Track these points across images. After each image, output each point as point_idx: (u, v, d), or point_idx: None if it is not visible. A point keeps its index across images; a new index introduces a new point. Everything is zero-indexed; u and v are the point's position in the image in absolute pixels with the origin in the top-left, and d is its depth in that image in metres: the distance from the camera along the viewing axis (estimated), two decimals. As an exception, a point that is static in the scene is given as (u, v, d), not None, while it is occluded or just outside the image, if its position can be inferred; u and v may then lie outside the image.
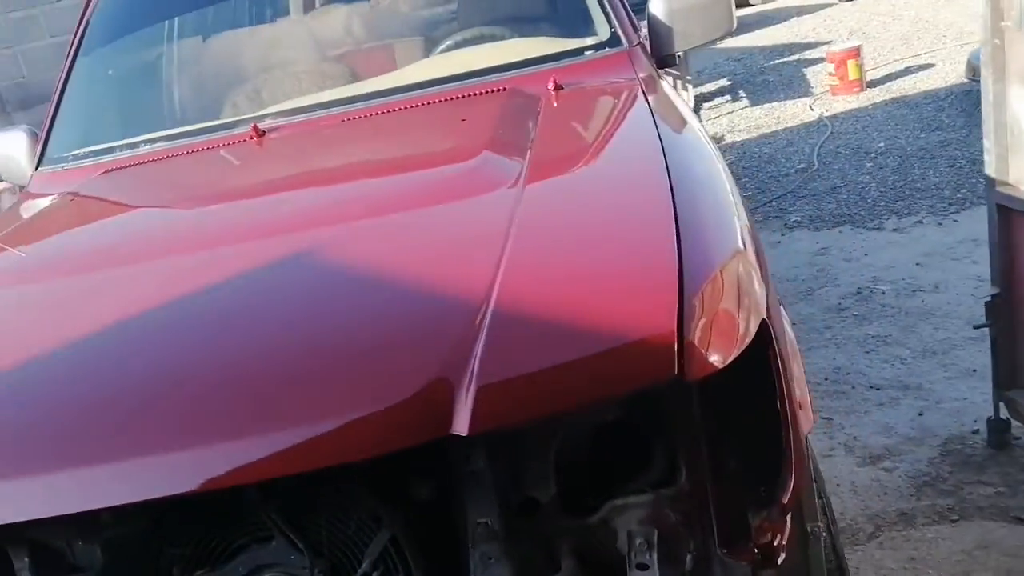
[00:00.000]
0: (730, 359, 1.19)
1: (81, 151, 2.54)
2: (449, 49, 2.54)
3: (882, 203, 5.16)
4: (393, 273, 1.36)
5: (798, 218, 5.25)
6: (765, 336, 1.29)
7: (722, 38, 2.62)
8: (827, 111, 7.19)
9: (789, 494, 1.26)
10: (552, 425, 1.26)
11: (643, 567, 1.24)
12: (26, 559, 1.27)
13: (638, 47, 2.44)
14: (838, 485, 2.85)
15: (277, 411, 1.15)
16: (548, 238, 1.41)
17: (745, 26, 10.72)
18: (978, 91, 2.79)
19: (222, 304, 1.38)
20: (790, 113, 7.51)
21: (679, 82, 3.77)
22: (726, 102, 8.48)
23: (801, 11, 11.87)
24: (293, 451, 1.10)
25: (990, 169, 2.66)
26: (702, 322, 1.20)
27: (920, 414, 3.15)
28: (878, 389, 3.38)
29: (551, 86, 2.24)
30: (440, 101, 2.27)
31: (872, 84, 7.62)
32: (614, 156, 1.81)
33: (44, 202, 2.35)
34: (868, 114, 6.93)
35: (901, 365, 3.50)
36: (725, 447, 1.30)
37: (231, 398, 1.19)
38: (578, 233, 1.42)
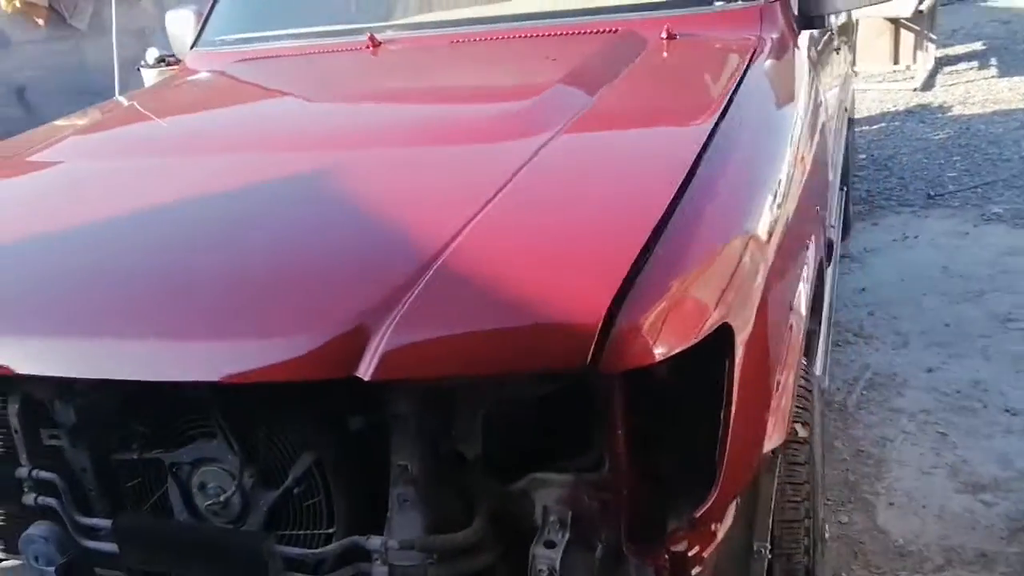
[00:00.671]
0: (658, 359, 1.13)
1: (228, 37, 2.70)
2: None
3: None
4: (374, 210, 1.38)
5: (999, 210, 4.76)
6: (725, 343, 1.21)
7: (874, 4, 2.38)
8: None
9: (705, 507, 1.19)
10: (484, 387, 1.25)
11: (550, 544, 1.22)
12: (16, 406, 1.42)
13: (777, 4, 2.26)
14: (924, 506, 2.65)
15: (205, 319, 1.21)
16: (533, 201, 1.38)
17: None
18: None
19: (218, 208, 1.46)
20: (1041, 91, 6.73)
21: (844, 46, 3.46)
22: (971, 69, 7.70)
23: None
24: (202, 359, 1.16)
25: None
26: (640, 317, 1.13)
27: (1050, 453, 2.84)
28: (1013, 415, 3.06)
29: (664, 35, 2.14)
30: (547, 35, 2.22)
31: None
32: (663, 123, 1.71)
33: (177, 80, 2.54)
34: None
35: (1051, 396, 3.16)
36: (661, 446, 1.25)
37: (180, 298, 1.27)
38: (564, 201, 1.38)
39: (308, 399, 1.28)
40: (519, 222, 1.33)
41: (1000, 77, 7.26)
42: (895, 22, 7.41)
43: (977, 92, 6.95)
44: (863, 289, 4.10)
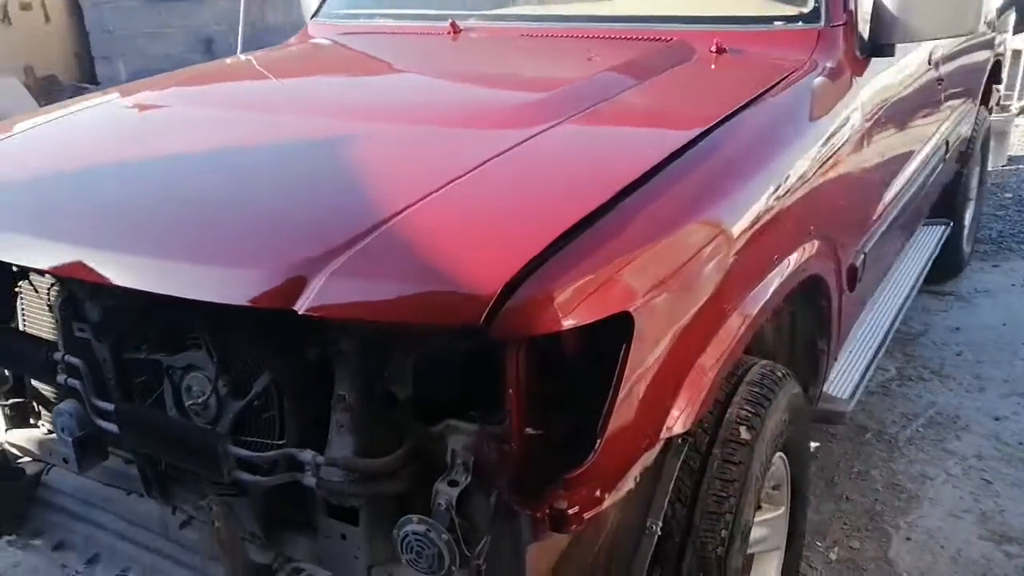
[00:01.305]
0: (547, 333, 1.28)
1: (341, 11, 2.97)
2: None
3: None
4: (356, 174, 1.59)
5: None
6: (625, 329, 1.34)
7: (949, 36, 2.36)
8: None
9: (577, 472, 1.32)
10: (411, 335, 1.42)
11: (453, 484, 1.38)
12: (59, 300, 1.71)
13: (839, 29, 2.29)
14: (942, 547, 2.63)
15: (192, 246, 1.45)
16: (492, 183, 1.54)
17: None
18: None
19: (236, 157, 1.70)
20: None
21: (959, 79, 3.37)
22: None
23: None
24: (179, 278, 1.40)
25: None
26: (537, 293, 1.28)
27: (1095, 519, 2.74)
28: (1069, 475, 2.96)
29: (713, 48, 2.23)
30: (606, 37, 2.35)
31: None
32: (655, 127, 1.83)
33: (290, 45, 2.83)
34: None
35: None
36: (560, 412, 1.39)
37: (180, 227, 1.52)
38: (518, 186, 1.53)
39: (270, 326, 1.49)
40: (470, 200, 1.49)
41: None
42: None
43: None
44: (957, 328, 3.99)
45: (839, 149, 2.08)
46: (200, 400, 1.60)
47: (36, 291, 1.86)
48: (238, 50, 3.05)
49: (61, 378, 1.73)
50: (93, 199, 1.69)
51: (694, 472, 1.66)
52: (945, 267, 4.29)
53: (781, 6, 2.35)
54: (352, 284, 1.34)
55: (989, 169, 4.98)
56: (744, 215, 1.63)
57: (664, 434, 1.46)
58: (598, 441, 1.33)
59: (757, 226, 1.66)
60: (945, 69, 3.14)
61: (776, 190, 1.75)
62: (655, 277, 1.41)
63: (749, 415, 1.73)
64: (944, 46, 3.10)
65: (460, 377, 1.47)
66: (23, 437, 1.99)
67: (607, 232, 1.40)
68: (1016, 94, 7.16)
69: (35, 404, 2.00)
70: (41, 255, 1.56)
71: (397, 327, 1.38)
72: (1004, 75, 4.86)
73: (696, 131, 1.72)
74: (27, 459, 2.01)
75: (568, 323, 1.29)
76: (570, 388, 1.40)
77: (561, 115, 1.79)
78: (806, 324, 2.22)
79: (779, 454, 1.95)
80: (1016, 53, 6.50)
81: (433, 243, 1.37)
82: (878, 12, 2.33)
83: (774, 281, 1.73)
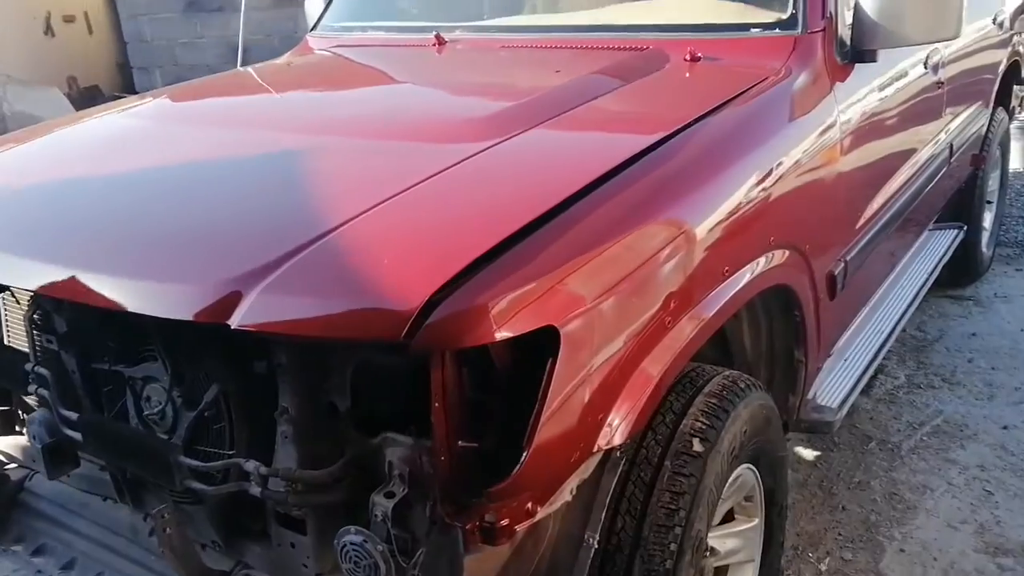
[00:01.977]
0: (468, 346, 1.30)
1: (336, 24, 3.02)
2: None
3: None
4: (301, 189, 1.63)
5: None
6: (552, 344, 1.35)
7: (929, 42, 2.34)
8: None
9: (501, 486, 1.34)
10: (346, 349, 1.45)
11: (390, 495, 1.41)
12: (31, 313, 1.78)
13: (817, 35, 2.28)
14: (935, 559, 2.59)
15: (137, 262, 1.50)
16: (433, 197, 1.56)
17: None
18: None
19: (186, 172, 1.77)
20: None
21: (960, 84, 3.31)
22: None
23: None
24: (125, 293, 1.44)
25: None
26: (458, 307, 1.30)
27: (1100, 532, 2.68)
28: (1076, 487, 2.89)
29: (687, 56, 2.23)
30: (585, 47, 2.37)
31: None
32: (610, 137, 1.84)
33: (288, 58, 2.89)
34: None
35: None
36: (490, 425, 1.41)
37: (129, 243, 1.57)
38: (457, 201, 1.55)
39: (218, 339, 1.53)
40: (407, 215, 1.51)
41: None
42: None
43: None
44: (973, 334, 3.92)
45: (811, 157, 2.06)
46: (157, 411, 1.65)
47: (18, 304, 1.93)
48: (238, 63, 3.12)
49: (32, 387, 1.79)
50: (51, 215, 1.75)
51: (645, 485, 1.66)
52: (963, 272, 4.22)
53: (760, 13, 2.34)
54: (282, 300, 1.37)
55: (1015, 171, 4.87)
56: (690, 226, 1.63)
57: (604, 445, 1.46)
58: (523, 454, 1.35)
59: (705, 237, 1.66)
60: (947, 72, 3.09)
61: (728, 201, 1.74)
62: (588, 290, 1.42)
63: (704, 427, 1.72)
64: (945, 49, 3.06)
65: (402, 389, 1.50)
66: (8, 444, 2.06)
67: (538, 245, 1.42)
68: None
69: (20, 412, 2.07)
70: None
71: (326, 341, 1.41)
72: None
73: (649, 141, 1.72)
74: (13, 465, 2.08)
75: (490, 338, 1.30)
76: (502, 401, 1.42)
77: (518, 127, 1.81)
78: (783, 334, 2.20)
79: (746, 465, 1.95)
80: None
81: (363, 258, 1.40)
82: (859, 18, 2.31)
83: (726, 292, 1.72)
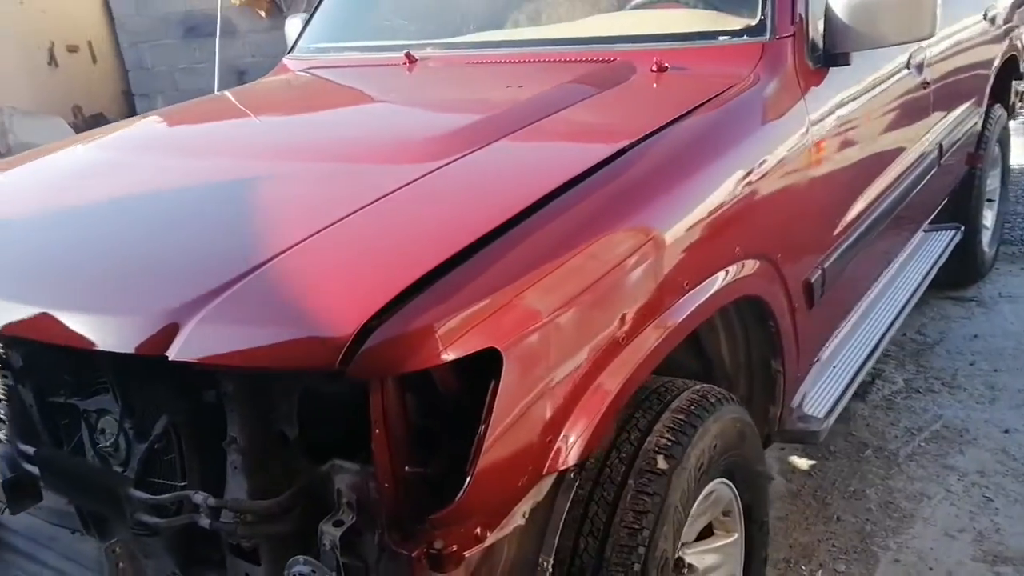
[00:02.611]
0: (406, 372, 1.27)
1: (312, 46, 3.02)
2: (611, 10, 2.55)
3: None
4: (244, 216, 1.61)
5: None
6: (494, 368, 1.33)
7: (901, 43, 2.30)
8: None
9: (443, 512, 1.31)
10: (288, 378, 1.43)
11: (339, 523, 1.38)
12: None
13: (787, 40, 2.24)
14: (931, 568, 2.53)
15: (83, 295, 1.49)
16: (376, 222, 1.54)
17: None
18: None
19: (134, 204, 1.76)
20: None
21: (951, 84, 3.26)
22: None
23: None
24: (72, 327, 1.43)
25: None
26: (393, 333, 1.27)
27: (1102, 538, 2.61)
28: (1078, 492, 2.82)
29: (654, 67, 2.20)
30: (553, 61, 2.35)
31: None
32: (565, 151, 1.82)
33: (265, 81, 2.89)
34: None
35: None
36: (433, 450, 1.38)
37: (74, 277, 1.56)
38: (400, 224, 1.52)
39: (164, 370, 1.51)
40: (351, 239, 1.49)
41: None
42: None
43: None
44: (975, 336, 3.85)
45: (780, 165, 2.03)
46: (111, 443, 1.63)
47: None
48: (215, 87, 3.12)
49: (-9, 424, 1.78)
50: (9, 253, 1.74)
51: (608, 504, 1.62)
52: (964, 273, 4.15)
53: (728, 20, 2.31)
54: (218, 330, 1.35)
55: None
56: (648, 238, 1.59)
57: (557, 467, 1.43)
58: (467, 479, 1.32)
59: (664, 250, 1.62)
60: (933, 71, 3.04)
61: (689, 212, 1.71)
62: (534, 309, 1.39)
63: (669, 443, 1.69)
64: (931, 47, 3.01)
65: (349, 416, 1.47)
66: (-24, 480, 2.05)
67: (482, 264, 1.39)
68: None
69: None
70: None
71: (265, 372, 1.39)
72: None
73: (606, 153, 1.69)
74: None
75: (426, 363, 1.28)
76: (448, 425, 1.39)
77: (477, 143, 1.79)
78: (760, 344, 2.16)
79: (720, 480, 1.91)
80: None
81: (301, 286, 1.38)
82: (830, 21, 2.27)
83: (688, 305, 1.69)
